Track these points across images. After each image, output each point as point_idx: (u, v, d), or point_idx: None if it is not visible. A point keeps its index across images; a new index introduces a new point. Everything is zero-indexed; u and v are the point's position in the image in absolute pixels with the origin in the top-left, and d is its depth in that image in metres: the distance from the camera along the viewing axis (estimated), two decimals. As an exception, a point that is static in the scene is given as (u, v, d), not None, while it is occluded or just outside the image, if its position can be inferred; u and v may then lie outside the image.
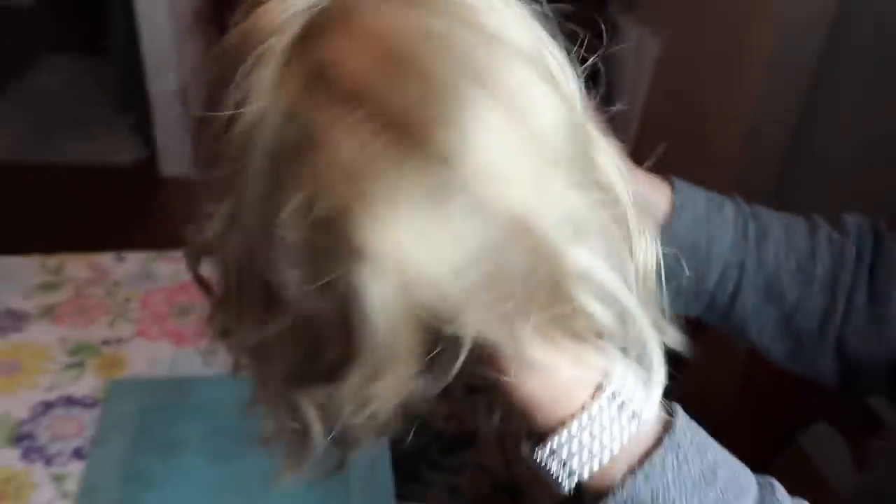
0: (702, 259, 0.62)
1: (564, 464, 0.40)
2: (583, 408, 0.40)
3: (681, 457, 0.39)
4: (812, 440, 1.71)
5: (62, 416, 0.93)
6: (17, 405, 0.94)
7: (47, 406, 0.94)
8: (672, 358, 0.43)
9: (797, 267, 0.64)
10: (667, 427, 0.40)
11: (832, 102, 1.96)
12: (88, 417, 0.93)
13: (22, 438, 0.90)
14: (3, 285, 1.12)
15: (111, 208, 2.62)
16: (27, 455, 0.88)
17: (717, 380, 1.61)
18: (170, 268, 1.16)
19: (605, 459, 0.39)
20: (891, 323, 0.62)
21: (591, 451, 0.39)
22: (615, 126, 0.49)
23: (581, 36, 0.46)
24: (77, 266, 1.16)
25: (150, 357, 1.02)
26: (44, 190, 2.70)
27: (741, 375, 1.10)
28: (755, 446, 1.01)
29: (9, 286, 1.12)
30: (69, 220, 2.56)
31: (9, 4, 4.11)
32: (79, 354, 1.01)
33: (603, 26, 0.49)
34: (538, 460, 0.41)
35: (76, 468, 0.87)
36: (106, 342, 1.03)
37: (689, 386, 1.15)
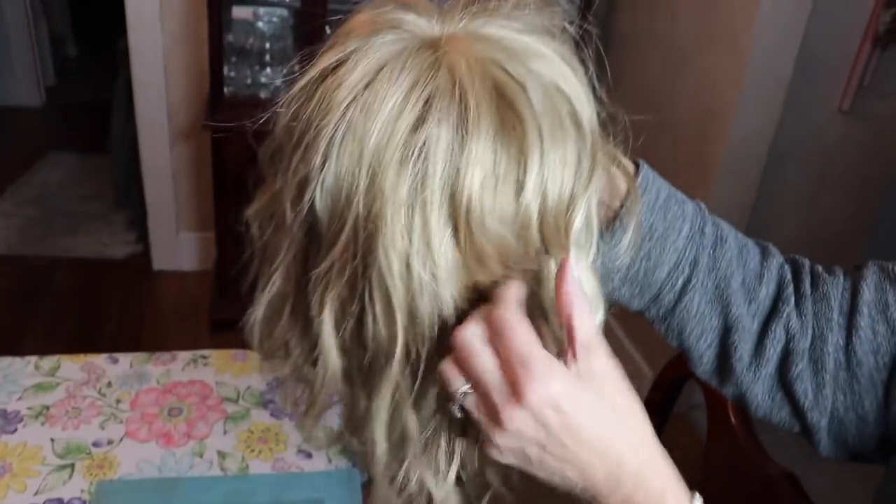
0: (656, 245, 0.59)
1: None
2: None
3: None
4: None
5: (50, 520, 0.90)
6: (6, 509, 0.91)
7: (36, 509, 0.91)
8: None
9: (743, 282, 0.61)
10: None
11: (776, 207, 2.02)
12: (76, 521, 0.90)
13: (9, 543, 0.87)
14: (-2, 386, 1.10)
15: (106, 300, 2.60)
16: (14, 561, 0.85)
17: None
18: (160, 369, 1.15)
19: None
20: (852, 387, 0.59)
21: None
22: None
23: None
24: (71, 367, 1.14)
25: (140, 458, 1.00)
26: (40, 283, 2.67)
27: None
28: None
29: (4, 387, 1.10)
30: (65, 310, 2.53)
31: (20, 105, 4.16)
32: (69, 456, 0.99)
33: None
34: None
35: (62, 574, 0.84)
36: (96, 444, 1.01)
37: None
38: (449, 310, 0.45)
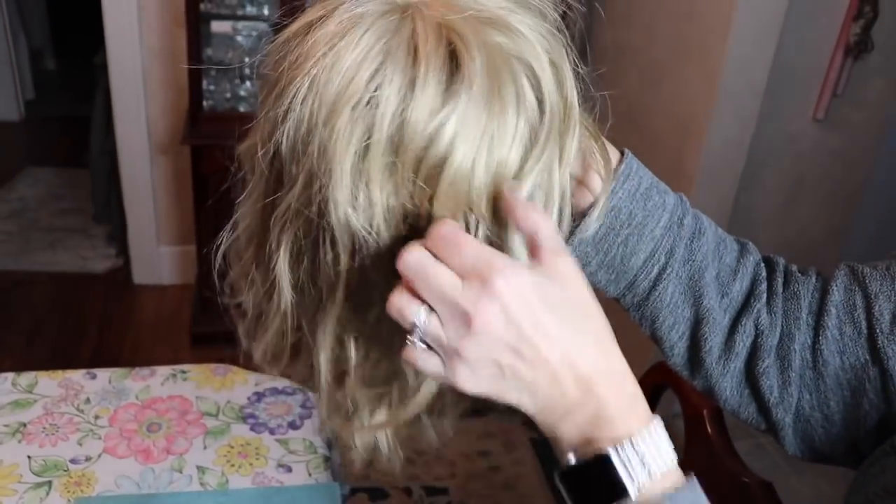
0: (634, 232, 0.60)
1: (629, 466, 0.44)
2: (649, 419, 0.46)
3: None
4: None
5: (27, 539, 0.89)
6: (-19, 528, 0.90)
7: (12, 528, 0.90)
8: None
9: (717, 276, 0.62)
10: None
11: (753, 215, 2.04)
12: (53, 539, 0.89)
13: (-15, 563, 0.86)
14: (-26, 404, 1.08)
15: (86, 314, 2.58)
16: (-10, 581, 0.84)
17: None
18: (139, 384, 1.14)
19: (668, 464, 0.45)
20: (818, 387, 0.60)
21: (658, 455, 0.45)
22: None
23: None
24: (49, 384, 1.13)
25: (118, 474, 0.99)
26: (20, 298, 2.65)
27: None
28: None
29: (-20, 405, 1.08)
30: (45, 325, 2.51)
31: (-4, 119, 4.13)
32: (46, 474, 0.98)
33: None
34: (598, 467, 0.44)
35: None
36: (74, 461, 1.00)
37: None
38: (388, 253, 0.46)
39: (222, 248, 0.53)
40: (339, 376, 0.51)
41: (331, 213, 0.45)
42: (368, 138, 0.44)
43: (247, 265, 0.53)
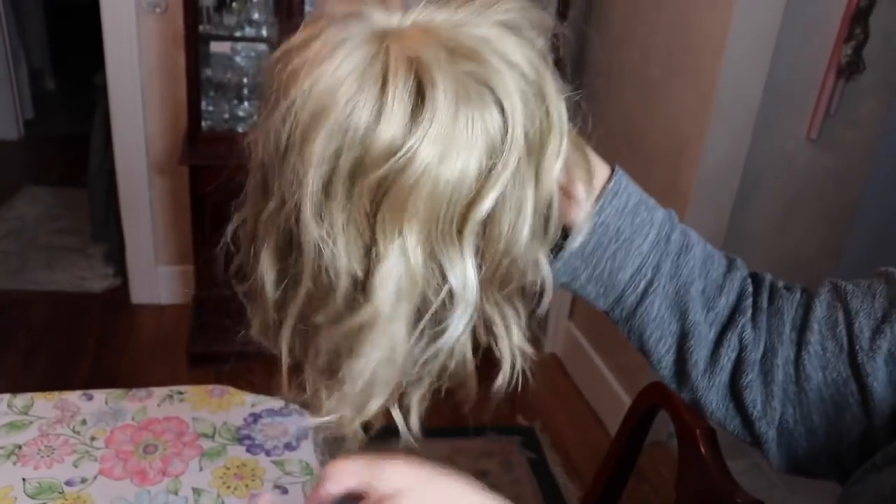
0: (621, 247, 0.62)
1: None
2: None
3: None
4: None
5: (22, 562, 0.89)
6: (-24, 551, 0.89)
7: (7, 551, 0.90)
8: None
9: (703, 291, 0.64)
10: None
11: (748, 234, 2.05)
12: (48, 562, 0.89)
13: (-20, 586, 0.85)
14: (-30, 425, 1.08)
15: (83, 334, 2.58)
16: None
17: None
18: (135, 405, 1.14)
19: None
20: (798, 398, 0.61)
21: None
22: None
23: None
24: (45, 405, 1.13)
25: (114, 497, 0.98)
26: (17, 317, 2.64)
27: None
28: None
29: (-24, 427, 1.08)
30: (42, 345, 2.50)
31: (-5, 138, 4.14)
32: (41, 496, 0.98)
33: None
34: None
35: None
36: (69, 483, 1.00)
37: None
38: (344, 263, 0.49)
39: (227, 242, 0.57)
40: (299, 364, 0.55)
41: (301, 229, 0.48)
42: (337, 161, 0.47)
43: (242, 259, 0.57)
